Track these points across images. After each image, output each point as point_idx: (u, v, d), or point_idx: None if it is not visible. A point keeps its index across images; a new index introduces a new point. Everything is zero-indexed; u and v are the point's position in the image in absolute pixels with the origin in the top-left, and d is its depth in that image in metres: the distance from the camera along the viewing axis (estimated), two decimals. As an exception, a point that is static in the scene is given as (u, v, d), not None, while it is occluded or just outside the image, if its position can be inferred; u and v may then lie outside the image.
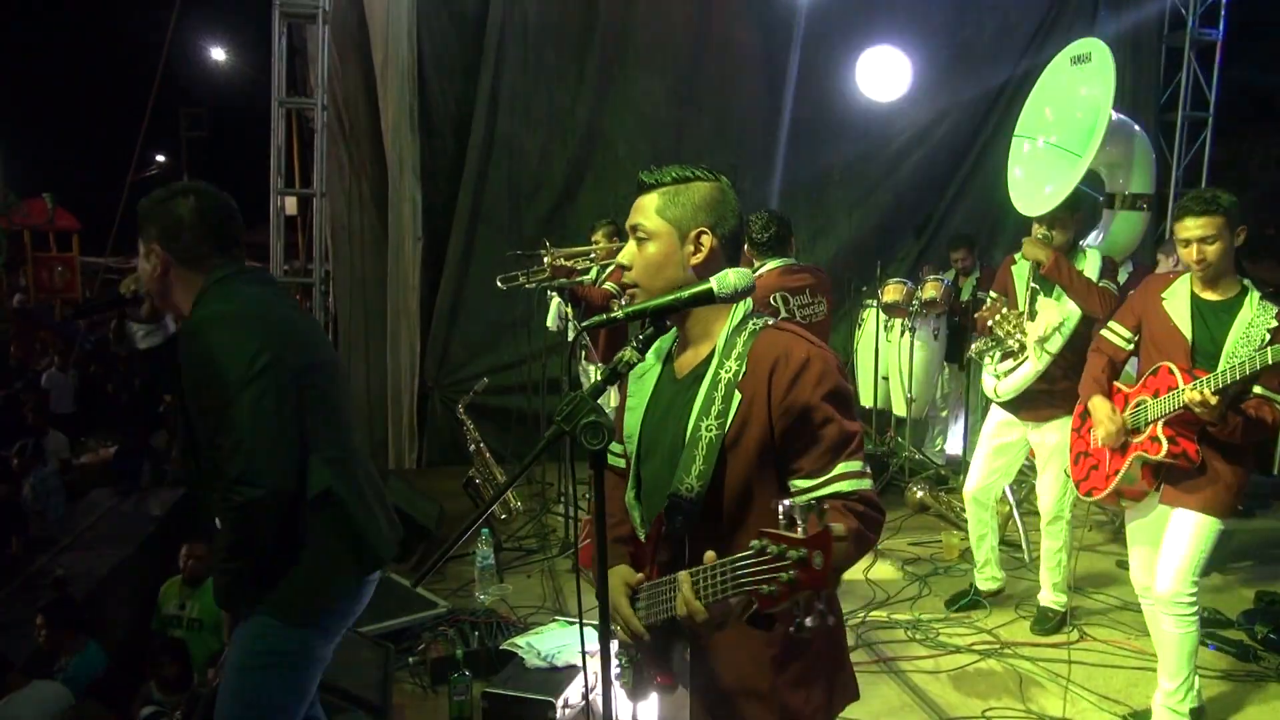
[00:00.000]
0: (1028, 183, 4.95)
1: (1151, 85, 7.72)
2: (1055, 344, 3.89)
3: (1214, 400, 2.84)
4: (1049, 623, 4.16)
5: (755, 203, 7.19)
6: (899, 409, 6.68)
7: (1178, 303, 3.10)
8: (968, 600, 4.36)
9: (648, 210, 1.79)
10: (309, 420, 2.23)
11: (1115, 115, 5.16)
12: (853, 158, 7.40)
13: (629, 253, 1.82)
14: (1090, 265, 3.90)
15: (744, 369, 1.73)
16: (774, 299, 4.18)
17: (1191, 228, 2.97)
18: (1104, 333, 3.37)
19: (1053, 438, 4.00)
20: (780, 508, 1.41)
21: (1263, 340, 2.91)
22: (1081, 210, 4.04)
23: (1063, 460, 3.84)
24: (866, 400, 7.00)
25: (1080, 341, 3.83)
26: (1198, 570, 3.10)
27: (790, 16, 7.09)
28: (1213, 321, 3.03)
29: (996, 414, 4.21)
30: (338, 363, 2.59)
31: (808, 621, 1.37)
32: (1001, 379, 4.06)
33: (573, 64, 6.87)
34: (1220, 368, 2.92)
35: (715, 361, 1.76)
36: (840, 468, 1.69)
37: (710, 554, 1.59)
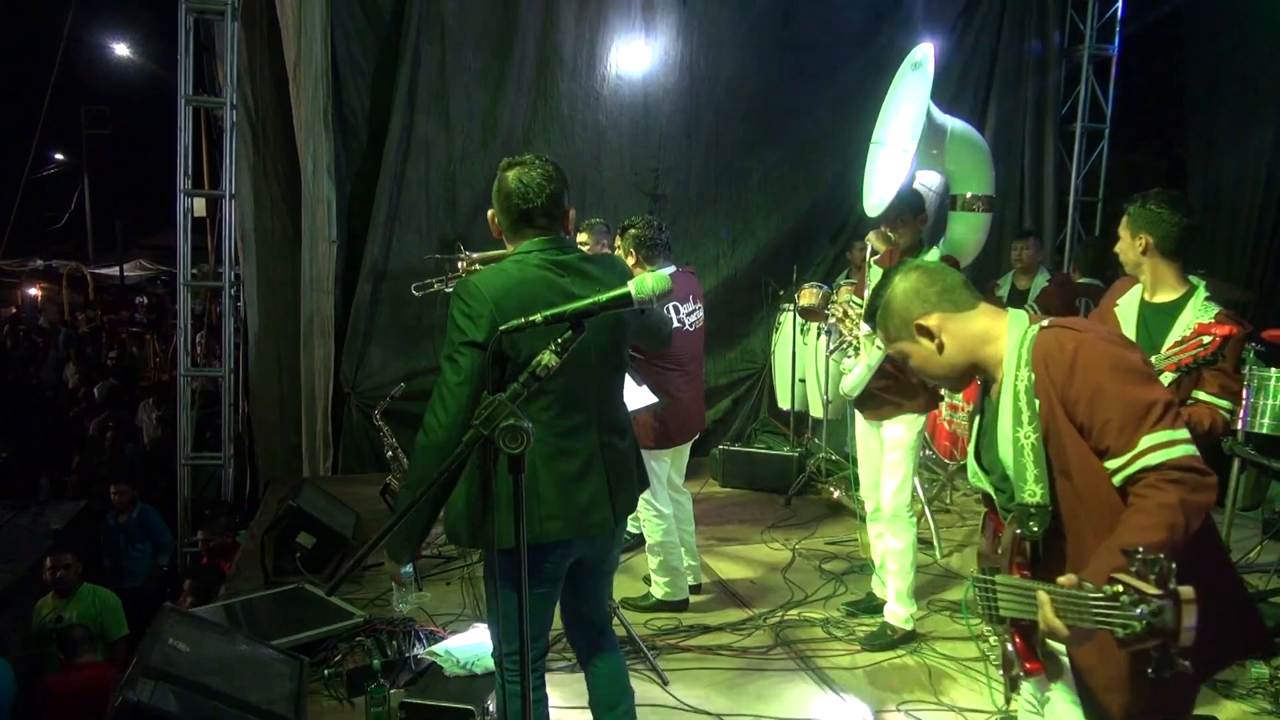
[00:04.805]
0: (871, 184, 5.08)
1: (1052, 98, 8.03)
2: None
3: None
4: (885, 639, 3.97)
5: (676, 207, 7.24)
6: (815, 410, 6.81)
7: (1127, 307, 3.12)
8: (865, 606, 4.29)
9: None
10: None
11: (960, 122, 5.31)
12: (771, 163, 7.49)
13: None
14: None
15: (1033, 374, 1.83)
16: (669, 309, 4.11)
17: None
18: None
19: (894, 431, 3.92)
20: (1127, 554, 1.49)
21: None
22: (924, 213, 3.97)
23: (908, 457, 3.90)
24: (784, 402, 7.14)
25: None
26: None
27: (709, 24, 7.16)
28: (1154, 325, 3.03)
29: (857, 416, 4.12)
30: None
31: (1166, 674, 1.45)
32: (846, 375, 3.96)
33: (492, 65, 6.78)
34: None
35: (1011, 374, 1.86)
36: (1144, 441, 1.72)
37: (1068, 578, 1.63)
